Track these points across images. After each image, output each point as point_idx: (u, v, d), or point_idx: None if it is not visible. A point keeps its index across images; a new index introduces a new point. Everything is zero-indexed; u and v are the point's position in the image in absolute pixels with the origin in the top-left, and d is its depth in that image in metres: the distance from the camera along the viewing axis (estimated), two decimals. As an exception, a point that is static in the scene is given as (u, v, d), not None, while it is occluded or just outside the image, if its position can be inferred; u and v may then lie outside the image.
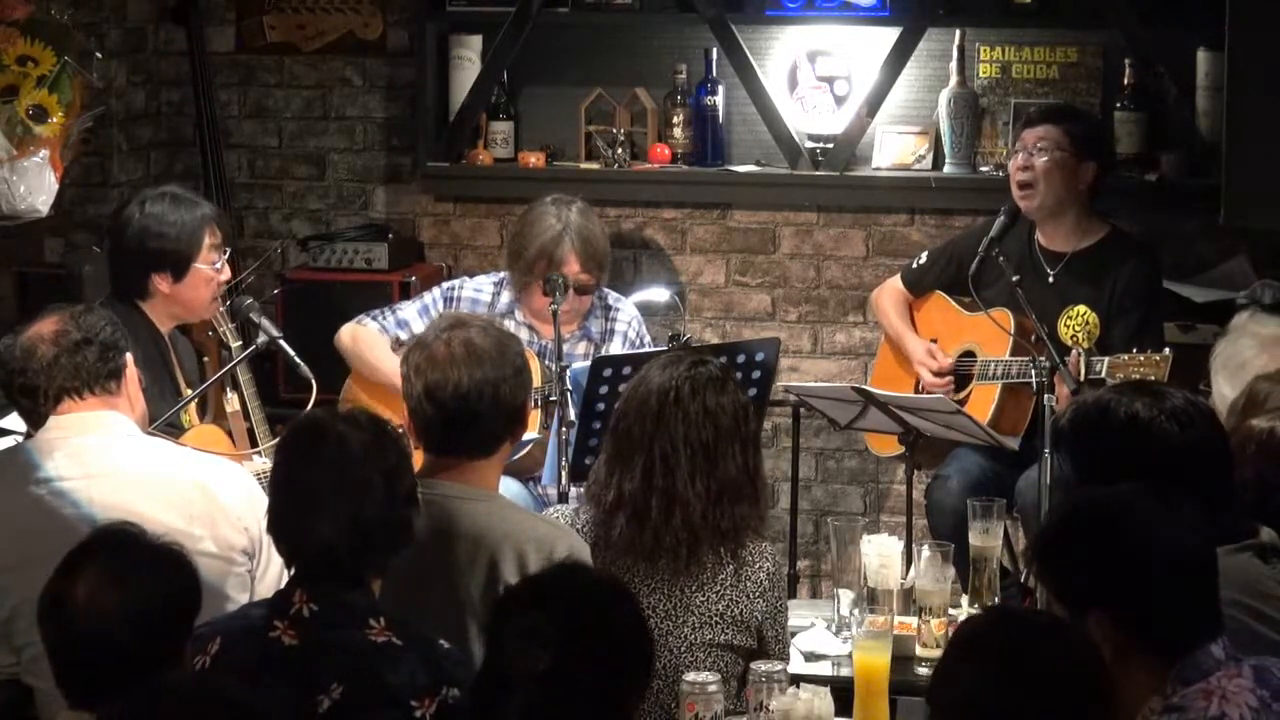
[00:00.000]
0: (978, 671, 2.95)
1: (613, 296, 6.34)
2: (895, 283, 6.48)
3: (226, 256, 5.57)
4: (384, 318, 6.18)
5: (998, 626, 3.05)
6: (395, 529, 3.74)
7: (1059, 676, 2.93)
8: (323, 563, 3.67)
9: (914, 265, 6.44)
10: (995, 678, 2.93)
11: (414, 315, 6.14)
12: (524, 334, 6.15)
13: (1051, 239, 6.20)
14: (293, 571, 3.74)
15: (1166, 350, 5.71)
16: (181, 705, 2.93)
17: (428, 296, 6.27)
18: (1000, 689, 2.92)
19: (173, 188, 5.69)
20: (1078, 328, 6.05)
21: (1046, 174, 6.10)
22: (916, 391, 6.25)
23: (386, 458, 3.75)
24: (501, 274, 6.31)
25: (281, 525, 3.75)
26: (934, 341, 6.31)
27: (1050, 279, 6.16)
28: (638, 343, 6.27)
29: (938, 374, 6.22)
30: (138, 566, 3.37)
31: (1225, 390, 4.87)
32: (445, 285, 6.32)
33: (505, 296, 6.25)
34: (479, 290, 6.28)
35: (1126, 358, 5.75)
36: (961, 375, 6.22)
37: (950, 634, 4.02)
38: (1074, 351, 5.81)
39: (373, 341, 6.10)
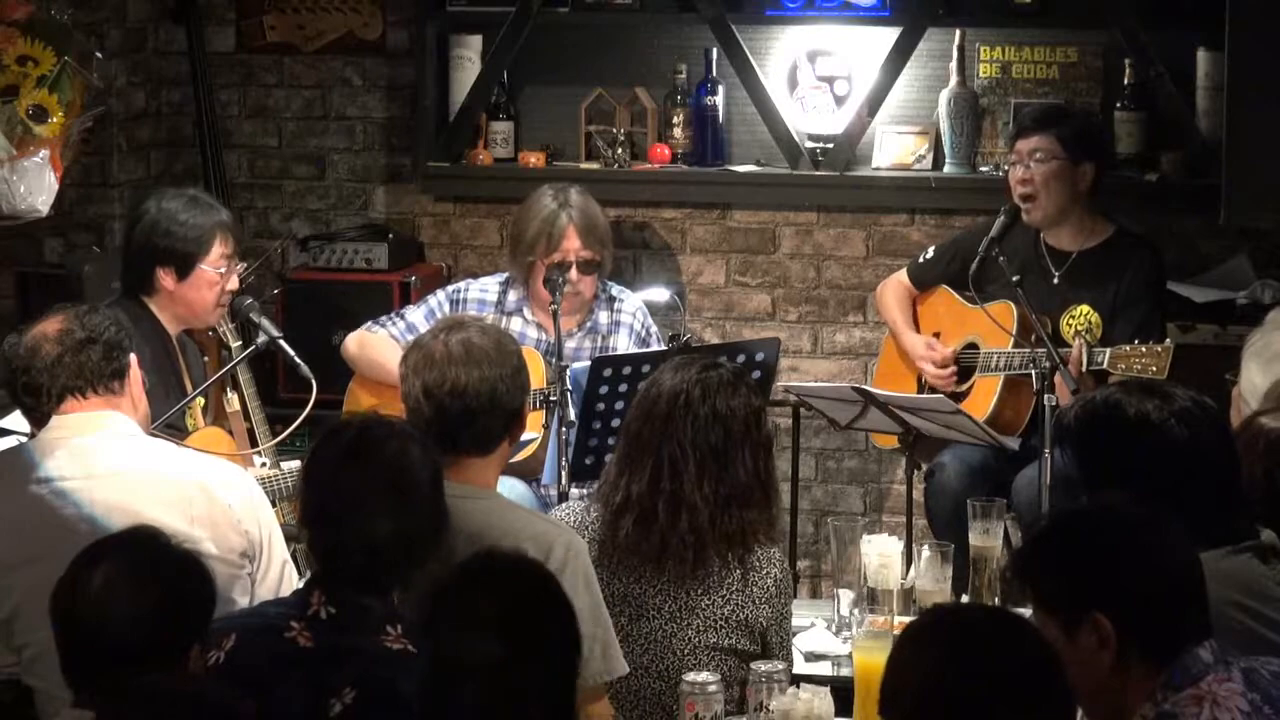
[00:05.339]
0: (921, 661, 2.94)
1: (616, 289, 6.34)
2: (900, 277, 6.48)
3: (238, 267, 5.59)
4: (391, 324, 6.16)
5: (938, 618, 3.05)
6: (430, 541, 3.73)
7: (1003, 657, 2.92)
8: (354, 565, 3.66)
9: (920, 260, 6.45)
10: (943, 665, 2.91)
11: (420, 319, 6.11)
12: (532, 332, 6.15)
13: (1058, 239, 6.21)
14: (314, 570, 3.73)
15: (1168, 341, 5.72)
16: (161, 709, 2.93)
17: (432, 300, 6.25)
18: (947, 674, 2.90)
19: (194, 190, 5.74)
20: (1080, 327, 6.06)
21: (1045, 184, 6.10)
22: (920, 386, 6.26)
23: (435, 470, 3.78)
24: (507, 274, 6.31)
25: (323, 521, 3.71)
26: (936, 335, 6.32)
27: (1055, 279, 6.17)
28: (643, 334, 6.26)
29: (939, 365, 6.22)
30: (155, 566, 3.38)
31: (1256, 379, 4.84)
32: (450, 288, 6.31)
33: (512, 295, 6.24)
34: (484, 290, 6.28)
35: (1129, 349, 5.76)
36: (965, 367, 6.22)
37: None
38: (1076, 342, 5.83)
39: (381, 344, 6.09)
